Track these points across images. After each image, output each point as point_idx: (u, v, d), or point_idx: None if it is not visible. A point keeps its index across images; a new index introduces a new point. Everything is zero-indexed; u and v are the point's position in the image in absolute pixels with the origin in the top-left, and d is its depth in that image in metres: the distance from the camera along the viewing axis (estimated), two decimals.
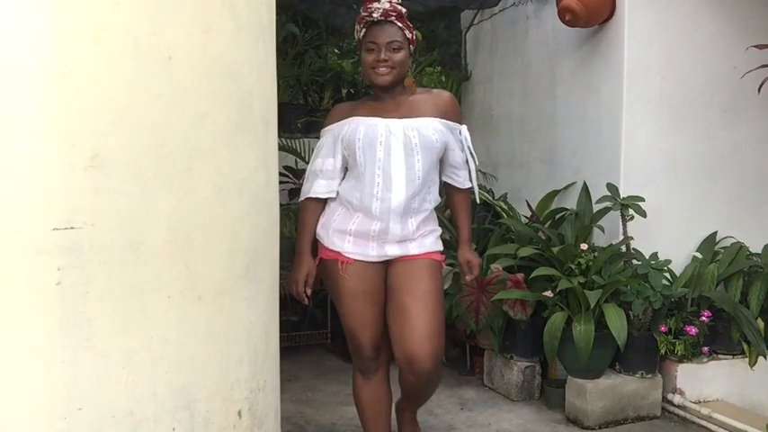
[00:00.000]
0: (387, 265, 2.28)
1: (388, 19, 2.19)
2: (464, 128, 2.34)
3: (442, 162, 2.33)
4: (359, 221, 2.22)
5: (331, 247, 2.26)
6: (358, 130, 2.20)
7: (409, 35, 2.24)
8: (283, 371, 2.14)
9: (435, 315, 2.18)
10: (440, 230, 2.36)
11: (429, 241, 2.29)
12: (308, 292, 2.30)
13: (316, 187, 2.30)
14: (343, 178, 2.29)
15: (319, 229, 2.31)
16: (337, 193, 2.29)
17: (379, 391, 2.34)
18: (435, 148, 2.22)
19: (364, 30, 2.23)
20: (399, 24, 2.21)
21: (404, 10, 2.24)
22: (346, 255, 2.23)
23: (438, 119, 2.26)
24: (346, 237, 2.24)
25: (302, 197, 2.35)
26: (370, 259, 2.24)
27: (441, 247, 2.34)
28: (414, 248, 2.25)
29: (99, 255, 1.44)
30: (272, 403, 1.97)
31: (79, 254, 1.42)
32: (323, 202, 2.32)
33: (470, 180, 2.38)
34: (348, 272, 2.22)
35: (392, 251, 2.24)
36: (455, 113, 2.32)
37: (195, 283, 1.61)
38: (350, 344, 2.30)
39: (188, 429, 1.62)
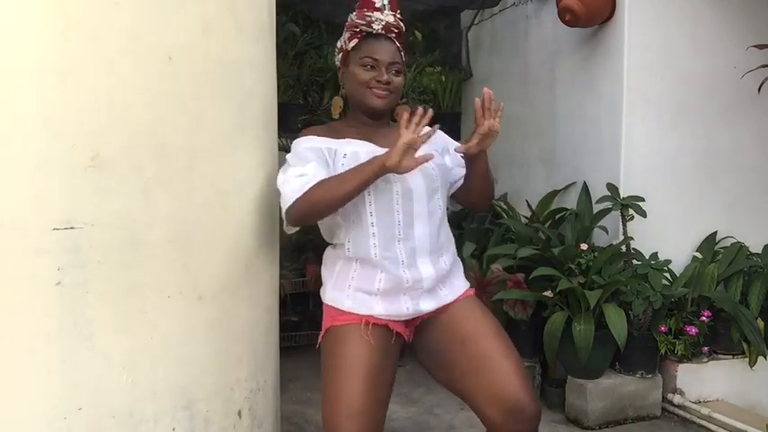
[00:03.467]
0: (412, 336, 1.87)
1: (389, 35, 1.82)
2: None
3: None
4: (386, 276, 1.76)
5: (353, 311, 1.76)
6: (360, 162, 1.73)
7: (404, 59, 1.89)
8: (283, 371, 2.14)
9: (516, 352, 1.80)
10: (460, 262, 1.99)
11: (458, 282, 1.91)
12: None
13: (302, 183, 1.70)
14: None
15: (330, 293, 1.82)
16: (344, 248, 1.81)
17: None
18: (447, 172, 1.89)
19: (356, 41, 1.81)
20: (398, 45, 1.85)
21: (404, 28, 1.88)
22: (377, 317, 1.76)
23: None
24: (373, 297, 1.77)
25: (290, 201, 1.71)
26: (403, 318, 1.79)
27: (469, 283, 1.97)
28: (447, 295, 1.85)
29: (99, 255, 1.45)
30: (272, 403, 1.97)
31: (79, 254, 1.42)
32: None
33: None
34: (372, 336, 1.73)
35: (427, 305, 1.81)
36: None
37: (195, 283, 1.61)
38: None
39: (188, 429, 1.62)
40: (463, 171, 1.93)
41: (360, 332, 1.73)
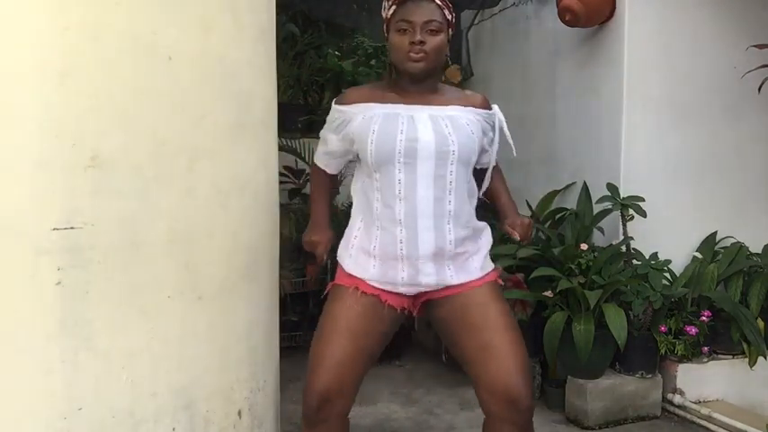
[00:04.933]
0: (425, 311, 1.91)
1: None
2: (496, 107, 1.99)
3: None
4: (381, 234, 1.81)
5: (352, 273, 1.85)
6: (371, 124, 1.81)
7: (449, 16, 1.84)
8: (283, 371, 2.14)
9: (523, 348, 1.82)
10: (489, 245, 1.97)
11: (475, 265, 1.88)
12: (325, 256, 1.93)
13: (319, 155, 2.02)
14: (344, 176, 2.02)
15: (340, 250, 1.93)
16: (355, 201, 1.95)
17: None
18: (473, 141, 1.84)
19: (395, 6, 1.82)
20: (438, 2, 1.81)
21: None
22: (369, 283, 1.83)
23: (471, 108, 1.90)
24: (370, 260, 1.83)
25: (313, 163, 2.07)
26: (399, 290, 1.83)
27: (491, 267, 1.95)
28: (453, 277, 1.84)
29: (99, 255, 1.44)
30: (272, 403, 1.97)
31: (79, 254, 1.42)
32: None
33: (492, 151, 2.02)
34: (359, 302, 1.81)
35: (427, 279, 1.81)
36: (488, 108, 1.98)
37: (195, 283, 1.61)
38: (306, 382, 1.83)
39: (188, 429, 1.62)
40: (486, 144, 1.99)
41: (349, 295, 1.83)
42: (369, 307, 1.82)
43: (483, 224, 1.99)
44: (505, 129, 2.00)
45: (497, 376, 1.78)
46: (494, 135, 1.98)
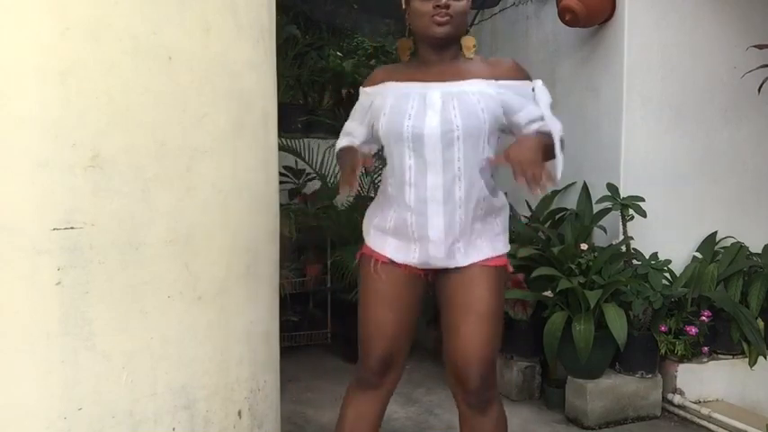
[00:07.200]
0: (433, 277, 1.94)
1: None
2: (539, 83, 1.95)
3: (513, 125, 1.86)
4: (395, 215, 1.86)
5: (372, 247, 1.94)
6: (385, 104, 1.84)
7: None
8: (283, 371, 2.14)
9: (490, 337, 1.83)
10: (503, 227, 1.94)
11: (485, 244, 1.88)
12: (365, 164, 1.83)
13: (343, 142, 2.01)
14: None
15: (364, 223, 2.00)
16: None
17: (369, 409, 1.98)
18: (480, 120, 1.78)
19: None
20: None
21: None
22: (386, 256, 1.90)
23: (489, 80, 1.83)
24: (387, 238, 1.90)
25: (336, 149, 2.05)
26: (413, 263, 1.89)
27: (503, 249, 1.92)
28: (462, 258, 1.85)
29: (99, 255, 1.45)
30: (272, 403, 1.97)
31: (79, 254, 1.42)
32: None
33: (555, 153, 1.79)
34: (382, 272, 1.89)
35: (437, 261, 1.85)
36: (519, 76, 1.92)
37: (195, 283, 1.61)
38: (360, 350, 1.96)
39: (188, 429, 1.62)
40: (534, 112, 1.89)
41: (373, 266, 1.91)
42: (391, 273, 1.90)
43: (501, 203, 1.94)
44: (546, 109, 1.91)
45: (456, 355, 1.85)
46: (540, 109, 1.89)
